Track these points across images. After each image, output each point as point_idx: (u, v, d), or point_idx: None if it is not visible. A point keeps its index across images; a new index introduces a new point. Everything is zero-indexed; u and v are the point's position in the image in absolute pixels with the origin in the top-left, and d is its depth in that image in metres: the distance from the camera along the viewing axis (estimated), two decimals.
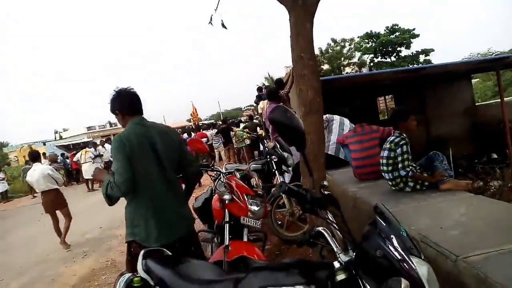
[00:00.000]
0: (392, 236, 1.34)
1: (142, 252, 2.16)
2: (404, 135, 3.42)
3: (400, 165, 3.32)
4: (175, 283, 1.78)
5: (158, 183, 2.43)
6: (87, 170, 12.56)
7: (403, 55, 31.95)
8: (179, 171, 2.65)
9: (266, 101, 9.56)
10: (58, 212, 6.67)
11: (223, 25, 4.13)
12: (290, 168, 5.00)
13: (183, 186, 2.78)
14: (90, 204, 10.39)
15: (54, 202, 6.55)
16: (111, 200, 2.47)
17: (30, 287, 5.04)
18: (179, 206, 2.58)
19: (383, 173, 3.53)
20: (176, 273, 1.83)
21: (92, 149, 13.95)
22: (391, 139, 3.44)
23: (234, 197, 3.04)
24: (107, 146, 14.17)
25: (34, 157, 6.79)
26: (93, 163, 12.98)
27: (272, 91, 6.56)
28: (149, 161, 2.39)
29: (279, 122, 1.55)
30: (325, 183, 1.57)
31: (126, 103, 2.51)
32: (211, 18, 4.10)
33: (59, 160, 16.00)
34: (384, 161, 3.42)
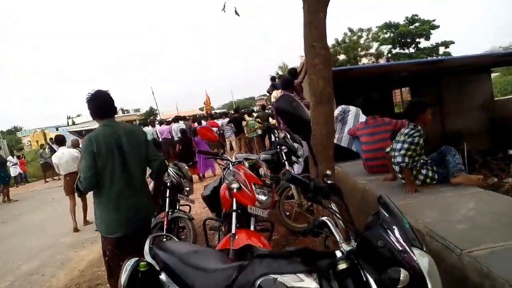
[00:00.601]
0: (394, 227, 1.34)
1: (149, 237, 2.22)
2: (419, 127, 3.33)
3: (402, 152, 3.22)
4: (181, 269, 1.81)
5: (121, 180, 2.71)
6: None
7: (422, 47, 31.25)
8: (147, 165, 2.93)
9: (279, 90, 9.52)
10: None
11: (236, 13, 4.12)
12: (300, 159, 4.99)
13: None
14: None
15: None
16: (80, 192, 2.86)
17: (40, 271, 5.18)
18: (139, 201, 2.83)
19: (394, 166, 3.48)
20: (181, 259, 1.86)
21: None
22: (405, 132, 3.35)
23: (242, 186, 3.05)
24: (148, 128, 14.12)
25: (61, 140, 7.34)
26: None
27: (286, 80, 6.51)
28: (114, 159, 2.68)
29: (284, 111, 1.55)
30: (328, 172, 1.56)
31: (96, 108, 2.80)
32: (224, 5, 4.08)
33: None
34: (396, 153, 3.35)
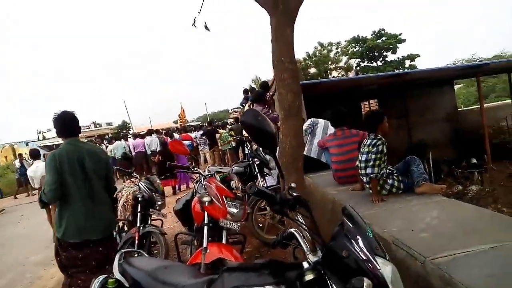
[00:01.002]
0: (358, 237, 1.38)
1: (118, 254, 2.18)
2: (380, 136, 3.45)
3: (370, 163, 3.33)
4: (150, 285, 1.79)
5: (82, 193, 2.99)
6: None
7: (389, 60, 32.40)
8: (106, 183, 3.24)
9: (250, 103, 9.60)
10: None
11: (206, 28, 4.15)
12: (272, 171, 5.04)
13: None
14: None
15: None
16: (43, 204, 3.19)
17: None
18: (100, 212, 3.11)
19: (361, 177, 3.58)
20: (151, 275, 1.84)
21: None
22: (367, 143, 3.47)
23: (213, 199, 3.05)
24: (119, 143, 13.94)
25: (35, 154, 7.50)
26: None
27: (258, 94, 6.60)
28: (76, 174, 2.96)
29: (249, 125, 1.58)
30: (292, 185, 1.60)
31: (61, 127, 3.08)
32: (194, 20, 4.11)
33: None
34: (362, 164, 3.46)
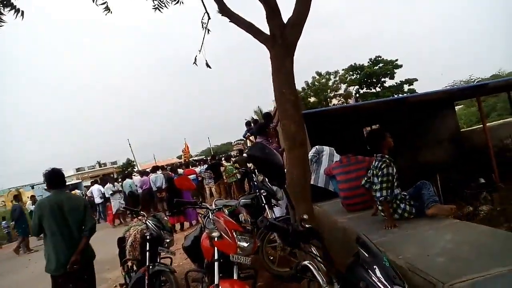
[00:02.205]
0: (375, 266, 1.36)
1: None
2: (387, 156, 3.43)
3: (378, 187, 3.31)
4: None
5: (63, 233, 3.75)
6: None
7: (387, 85, 32.81)
8: (83, 225, 3.90)
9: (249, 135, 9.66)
10: None
11: (207, 65, 4.26)
12: (280, 202, 4.99)
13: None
14: None
15: None
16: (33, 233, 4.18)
17: None
18: (74, 247, 3.77)
19: (376, 199, 3.54)
20: None
21: (110, 185, 13.76)
22: (375, 165, 3.45)
23: (223, 234, 3.02)
24: (129, 180, 13.98)
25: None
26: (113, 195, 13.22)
27: (260, 126, 6.65)
28: (55, 219, 3.74)
29: (257, 159, 1.59)
30: (305, 216, 1.59)
31: (49, 181, 3.96)
32: (195, 59, 4.22)
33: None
34: (374, 187, 3.42)
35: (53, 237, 3.73)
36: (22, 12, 3.77)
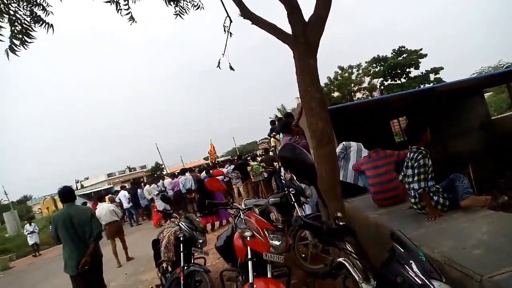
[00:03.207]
0: (411, 261, 1.36)
1: None
2: (422, 148, 3.37)
3: (415, 178, 3.26)
4: None
5: (74, 240, 4.54)
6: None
7: (413, 76, 31.99)
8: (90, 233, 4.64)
9: (279, 134, 9.67)
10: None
11: (231, 68, 4.31)
12: (309, 199, 5.00)
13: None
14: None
15: (116, 230, 9.13)
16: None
17: None
18: (83, 251, 4.52)
19: (410, 192, 3.50)
20: None
21: (154, 185, 14.22)
22: (410, 157, 3.40)
23: (255, 233, 3.06)
24: (166, 181, 14.47)
25: (101, 196, 10.95)
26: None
27: (283, 124, 6.67)
28: (67, 229, 4.54)
29: (288, 160, 1.62)
30: (338, 214, 1.61)
31: (62, 196, 4.83)
32: (219, 62, 4.28)
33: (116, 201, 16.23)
34: (409, 179, 3.37)
35: (66, 244, 4.56)
36: (52, 26, 3.92)
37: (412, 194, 3.40)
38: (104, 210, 9.04)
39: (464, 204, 3.18)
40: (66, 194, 4.88)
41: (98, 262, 4.82)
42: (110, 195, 13.84)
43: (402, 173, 3.57)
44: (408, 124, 4.03)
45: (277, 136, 10.10)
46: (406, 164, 3.48)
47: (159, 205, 13.19)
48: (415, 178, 3.27)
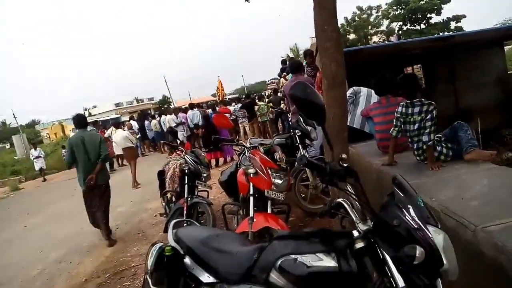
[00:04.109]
0: (409, 206, 1.39)
1: (172, 222, 2.32)
2: (428, 101, 3.34)
3: (427, 130, 3.22)
4: (204, 252, 1.89)
5: (85, 161, 5.32)
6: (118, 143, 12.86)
7: (433, 22, 30.54)
8: (99, 154, 5.40)
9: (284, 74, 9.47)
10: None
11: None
12: (314, 142, 5.03)
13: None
14: (120, 179, 10.73)
15: (131, 154, 10.28)
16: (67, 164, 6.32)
17: (67, 258, 5.39)
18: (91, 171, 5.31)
19: (410, 144, 3.51)
20: (204, 243, 1.95)
21: (173, 116, 13.93)
22: (417, 110, 3.31)
23: (258, 171, 3.12)
24: (182, 114, 14.17)
25: (117, 124, 13.27)
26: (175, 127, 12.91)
27: (294, 64, 6.50)
28: (80, 151, 5.32)
29: (299, 98, 1.59)
30: (343, 156, 1.61)
31: (76, 123, 5.76)
32: None
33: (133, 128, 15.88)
34: (415, 133, 3.36)
35: (79, 163, 5.34)
36: None
37: (419, 146, 3.38)
38: (119, 137, 10.46)
39: (468, 158, 3.16)
40: (80, 120, 5.71)
41: (105, 181, 5.60)
42: (129, 122, 15.39)
43: (397, 129, 3.54)
44: (403, 77, 3.90)
45: (287, 77, 9.92)
46: (405, 120, 3.44)
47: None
48: (427, 131, 3.23)
